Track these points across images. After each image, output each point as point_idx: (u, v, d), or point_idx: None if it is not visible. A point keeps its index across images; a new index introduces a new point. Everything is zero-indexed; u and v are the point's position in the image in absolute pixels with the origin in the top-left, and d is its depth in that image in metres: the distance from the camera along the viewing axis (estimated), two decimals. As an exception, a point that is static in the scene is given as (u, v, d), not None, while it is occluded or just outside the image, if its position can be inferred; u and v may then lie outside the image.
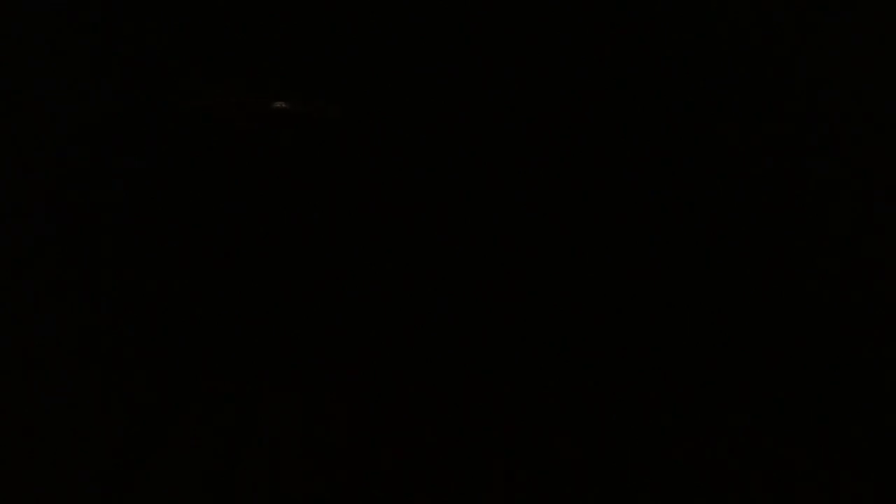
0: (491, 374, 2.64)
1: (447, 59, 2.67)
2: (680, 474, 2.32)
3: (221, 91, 2.63)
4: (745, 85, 2.67)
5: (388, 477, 2.28)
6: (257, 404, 2.48)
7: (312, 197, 2.72)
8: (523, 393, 2.59)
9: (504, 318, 2.71)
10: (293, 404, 2.48)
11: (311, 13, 2.69)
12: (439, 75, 2.67)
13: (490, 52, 2.67)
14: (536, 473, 2.32)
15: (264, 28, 2.68)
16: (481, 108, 2.69)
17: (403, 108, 2.70)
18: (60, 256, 2.71)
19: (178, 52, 2.68)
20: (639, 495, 2.26)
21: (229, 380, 2.56)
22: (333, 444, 2.38)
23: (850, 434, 2.47)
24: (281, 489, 2.24)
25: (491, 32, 2.68)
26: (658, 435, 2.45)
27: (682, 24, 2.67)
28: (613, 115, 2.70)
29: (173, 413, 2.44)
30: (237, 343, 2.65)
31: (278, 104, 2.60)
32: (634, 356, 2.67)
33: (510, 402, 2.56)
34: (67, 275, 2.71)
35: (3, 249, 2.68)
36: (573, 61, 2.68)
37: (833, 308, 2.62)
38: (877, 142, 2.61)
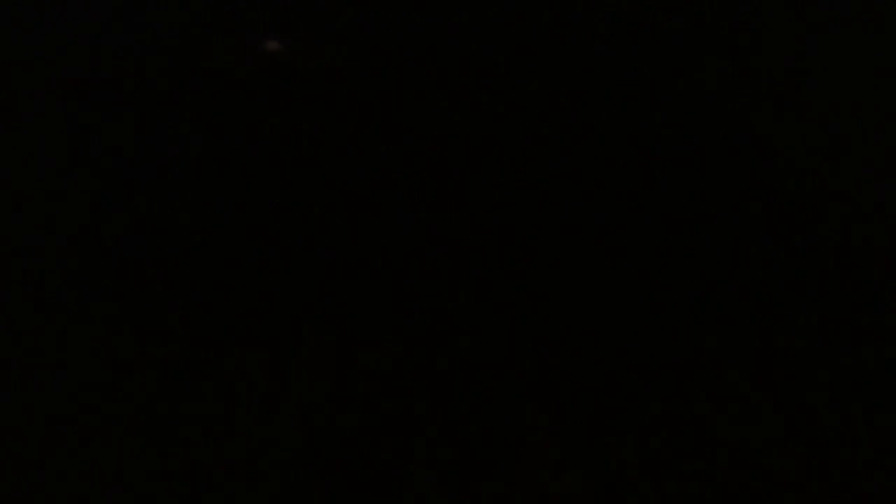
0: (526, 320, 2.63)
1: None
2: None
3: (220, 40, 2.64)
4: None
5: (419, 422, 2.30)
6: (293, 351, 2.50)
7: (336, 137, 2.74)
8: (558, 342, 2.58)
9: (537, 261, 2.71)
10: (328, 350, 2.50)
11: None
12: (436, 18, 2.68)
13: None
14: (567, 423, 2.33)
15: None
16: (478, 47, 2.70)
17: (401, 50, 2.72)
18: (99, 210, 2.77)
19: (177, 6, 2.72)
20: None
21: (267, 327, 2.59)
22: (366, 387, 2.40)
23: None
24: (316, 432, 2.26)
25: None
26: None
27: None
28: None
29: (213, 360, 2.46)
30: (275, 291, 2.67)
31: (273, 46, 2.59)
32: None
33: (545, 348, 2.55)
34: (105, 227, 2.76)
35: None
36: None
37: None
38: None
